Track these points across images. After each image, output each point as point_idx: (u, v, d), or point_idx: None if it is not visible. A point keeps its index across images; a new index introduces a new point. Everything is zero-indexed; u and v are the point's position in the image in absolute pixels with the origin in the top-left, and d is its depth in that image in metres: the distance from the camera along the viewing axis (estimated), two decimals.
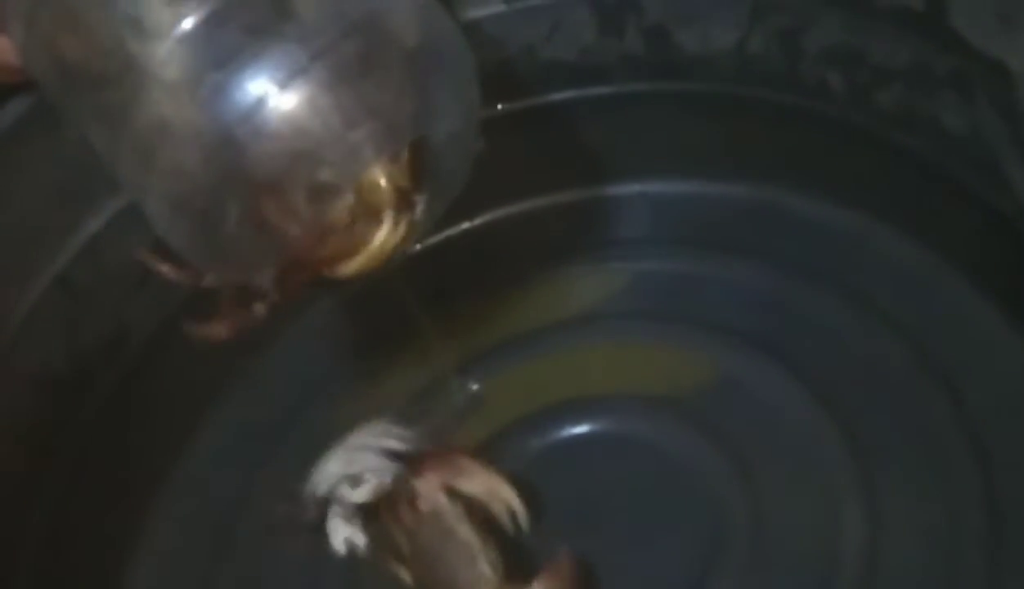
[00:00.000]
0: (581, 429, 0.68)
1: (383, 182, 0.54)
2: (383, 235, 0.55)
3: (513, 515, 0.63)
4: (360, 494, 0.64)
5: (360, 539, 0.64)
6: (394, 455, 0.64)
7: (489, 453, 0.67)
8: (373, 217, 0.55)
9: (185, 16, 0.52)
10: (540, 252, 0.76)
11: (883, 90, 0.69)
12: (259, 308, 0.58)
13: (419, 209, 0.56)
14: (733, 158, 0.75)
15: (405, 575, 0.62)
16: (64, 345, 0.69)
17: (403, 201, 0.55)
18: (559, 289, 0.75)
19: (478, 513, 0.62)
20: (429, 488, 0.62)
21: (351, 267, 0.56)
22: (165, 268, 0.58)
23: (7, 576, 0.65)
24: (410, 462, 0.63)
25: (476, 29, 0.72)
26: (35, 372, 0.68)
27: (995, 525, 0.61)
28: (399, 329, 0.73)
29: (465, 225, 0.76)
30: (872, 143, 0.71)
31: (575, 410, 0.69)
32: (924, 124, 0.68)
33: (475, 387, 0.70)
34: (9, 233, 0.67)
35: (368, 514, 0.64)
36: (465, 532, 0.61)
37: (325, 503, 0.64)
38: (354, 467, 0.64)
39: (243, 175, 0.52)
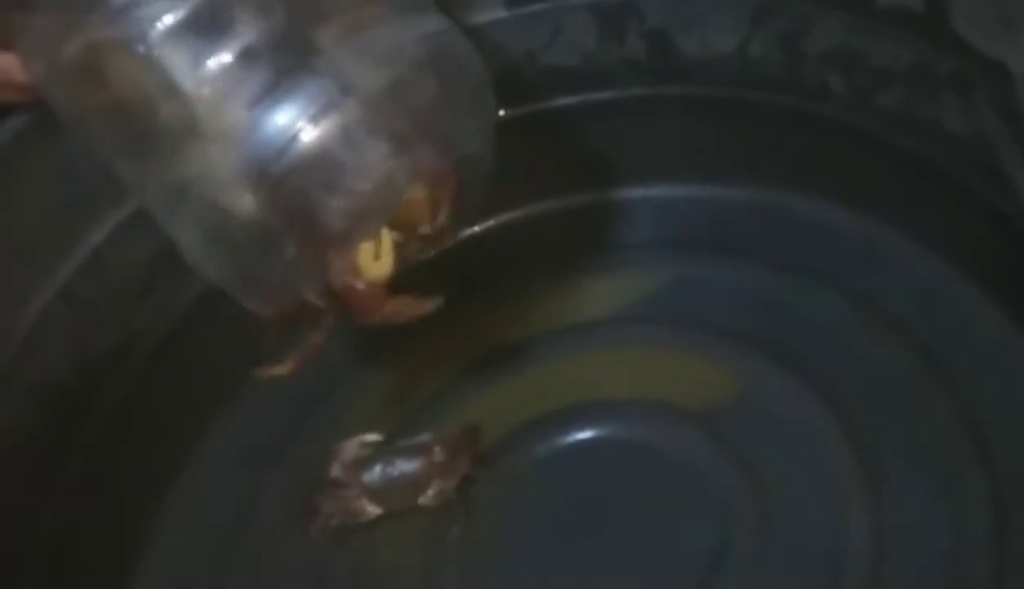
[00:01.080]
0: (586, 433, 0.68)
1: (417, 200, 0.55)
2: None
3: None
4: None
5: None
6: None
7: (494, 457, 0.68)
8: (402, 232, 0.56)
9: (214, 55, 0.52)
10: (545, 257, 0.76)
11: (884, 92, 0.69)
12: (316, 336, 0.59)
13: (441, 221, 0.57)
14: (736, 161, 0.75)
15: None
16: (69, 356, 0.69)
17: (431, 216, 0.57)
18: (564, 294, 0.75)
19: None
20: None
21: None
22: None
23: (14, 582, 0.65)
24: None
25: (478, 35, 0.72)
26: (41, 383, 0.68)
27: (1000, 526, 0.61)
28: (405, 336, 0.74)
29: (470, 231, 0.76)
30: (874, 145, 0.70)
31: (580, 414, 0.69)
32: (926, 126, 0.68)
33: None
34: (12, 246, 0.67)
35: None
36: None
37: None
38: None
39: (278, 209, 0.53)
